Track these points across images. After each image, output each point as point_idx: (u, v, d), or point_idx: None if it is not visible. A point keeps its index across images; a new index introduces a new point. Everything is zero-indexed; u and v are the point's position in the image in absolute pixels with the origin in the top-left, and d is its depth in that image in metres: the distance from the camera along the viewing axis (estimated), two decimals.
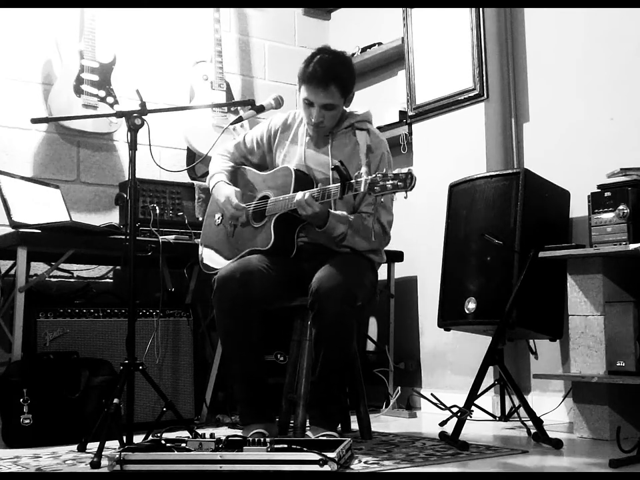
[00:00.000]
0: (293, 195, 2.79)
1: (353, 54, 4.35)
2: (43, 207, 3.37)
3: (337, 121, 2.95)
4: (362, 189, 2.54)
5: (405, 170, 2.47)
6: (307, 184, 2.87)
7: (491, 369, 3.13)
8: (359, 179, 2.57)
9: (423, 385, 3.87)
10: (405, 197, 2.49)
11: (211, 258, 3.10)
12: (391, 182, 2.47)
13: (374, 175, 2.51)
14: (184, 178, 4.04)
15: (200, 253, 3.17)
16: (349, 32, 4.72)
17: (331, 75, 2.80)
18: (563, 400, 3.28)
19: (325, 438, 2.62)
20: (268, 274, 2.81)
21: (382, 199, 2.68)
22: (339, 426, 2.99)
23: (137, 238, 2.90)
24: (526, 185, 3.17)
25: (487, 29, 3.66)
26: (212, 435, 2.33)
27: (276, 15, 4.73)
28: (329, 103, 2.84)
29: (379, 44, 4.35)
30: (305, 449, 2.22)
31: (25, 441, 2.93)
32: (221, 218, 3.12)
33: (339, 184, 2.64)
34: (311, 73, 2.80)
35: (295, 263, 2.90)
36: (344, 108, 2.96)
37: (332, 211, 2.79)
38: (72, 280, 3.82)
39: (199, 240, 3.24)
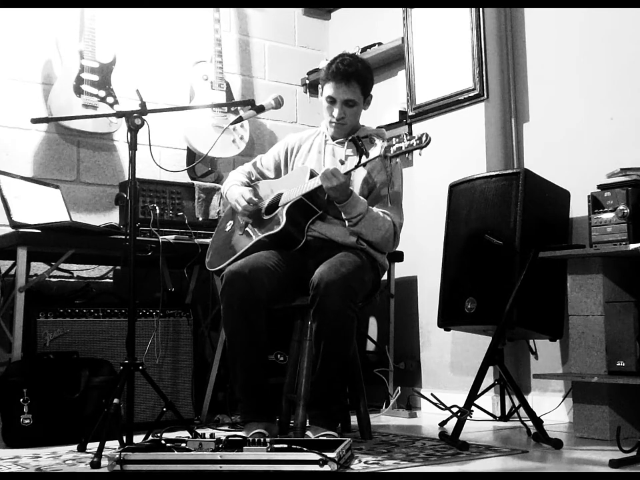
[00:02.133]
0: (309, 181, 2.84)
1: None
2: (42, 207, 3.37)
3: (357, 121, 3.06)
4: (378, 153, 2.63)
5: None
6: None
7: (491, 369, 3.14)
8: (374, 147, 2.65)
9: (423, 385, 3.87)
10: (420, 155, 2.54)
11: (217, 257, 3.10)
12: (406, 142, 2.57)
13: (389, 140, 2.60)
14: (184, 178, 4.04)
15: (207, 257, 3.17)
16: (349, 32, 4.72)
17: (352, 70, 2.97)
18: (563, 400, 3.28)
19: (325, 438, 2.62)
20: (275, 271, 2.82)
21: (392, 171, 2.80)
22: (339, 426, 2.99)
23: (137, 238, 2.89)
24: (526, 184, 3.17)
25: (487, 29, 3.65)
26: (212, 435, 2.34)
27: (276, 14, 4.73)
28: (351, 98, 2.97)
29: (379, 44, 4.34)
30: (304, 448, 2.22)
31: (25, 441, 2.93)
32: (231, 224, 3.14)
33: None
34: (334, 71, 2.97)
35: (300, 260, 2.91)
36: (362, 110, 3.05)
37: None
38: (72, 280, 3.82)
39: (209, 240, 3.27)
